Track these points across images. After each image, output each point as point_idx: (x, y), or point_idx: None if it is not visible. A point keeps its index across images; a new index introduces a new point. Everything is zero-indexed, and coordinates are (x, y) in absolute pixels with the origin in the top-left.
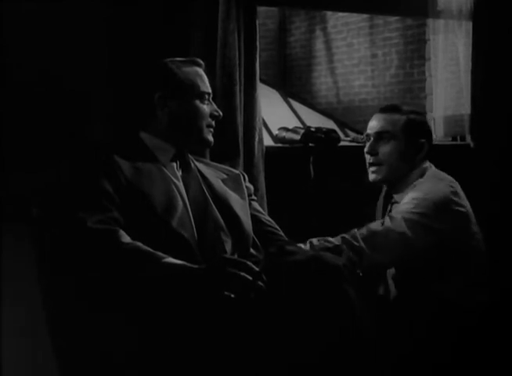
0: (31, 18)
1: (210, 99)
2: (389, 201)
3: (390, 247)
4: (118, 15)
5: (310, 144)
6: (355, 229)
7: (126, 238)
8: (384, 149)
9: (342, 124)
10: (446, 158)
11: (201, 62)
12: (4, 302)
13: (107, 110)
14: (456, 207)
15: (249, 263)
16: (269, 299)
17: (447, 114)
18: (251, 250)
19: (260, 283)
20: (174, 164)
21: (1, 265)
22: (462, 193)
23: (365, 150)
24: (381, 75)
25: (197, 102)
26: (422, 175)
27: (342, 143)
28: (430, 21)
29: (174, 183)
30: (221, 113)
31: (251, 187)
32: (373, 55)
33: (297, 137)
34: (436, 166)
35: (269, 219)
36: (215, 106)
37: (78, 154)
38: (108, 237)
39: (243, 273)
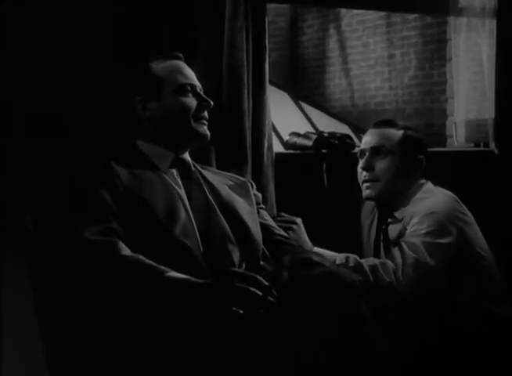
0: (20, 18)
1: (198, 90)
2: (384, 220)
3: (421, 278)
4: (121, 13)
5: (323, 150)
6: (376, 261)
7: (126, 250)
8: (381, 164)
9: (357, 129)
10: (468, 166)
11: (179, 54)
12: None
13: (106, 113)
14: (465, 218)
15: (259, 277)
16: (280, 314)
17: (469, 119)
18: (261, 262)
19: (270, 298)
20: (174, 171)
21: None
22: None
23: (360, 165)
24: (399, 77)
25: (176, 96)
26: (419, 192)
27: (357, 150)
28: (451, 19)
29: (176, 190)
30: (211, 102)
31: (259, 195)
32: (391, 55)
33: (309, 143)
34: (457, 175)
35: (279, 229)
36: (204, 96)
37: (74, 162)
38: (107, 250)
39: (252, 288)
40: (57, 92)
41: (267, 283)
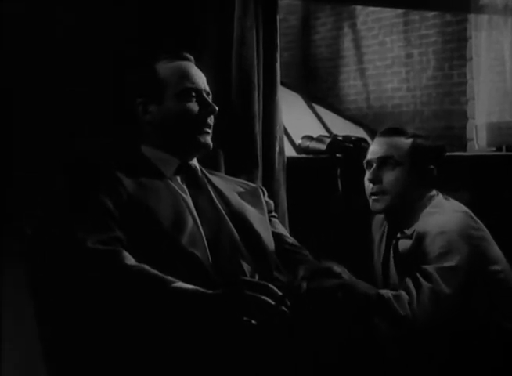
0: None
1: (204, 95)
2: (393, 234)
3: (437, 306)
4: (126, 11)
5: (337, 155)
6: (389, 294)
7: (130, 260)
8: (389, 176)
9: (373, 133)
10: (489, 171)
11: (187, 55)
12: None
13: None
14: (478, 234)
15: (271, 286)
16: (293, 324)
17: (491, 121)
18: (274, 272)
19: (283, 308)
20: (180, 177)
21: None
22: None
23: (367, 177)
24: (417, 77)
25: (178, 101)
26: (429, 205)
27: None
28: (471, 17)
29: (182, 197)
30: (215, 108)
31: (271, 203)
32: (408, 55)
33: (323, 147)
34: (477, 181)
35: (291, 237)
36: (209, 101)
37: (75, 167)
38: (110, 259)
39: (264, 297)
40: (58, 92)
41: (280, 293)
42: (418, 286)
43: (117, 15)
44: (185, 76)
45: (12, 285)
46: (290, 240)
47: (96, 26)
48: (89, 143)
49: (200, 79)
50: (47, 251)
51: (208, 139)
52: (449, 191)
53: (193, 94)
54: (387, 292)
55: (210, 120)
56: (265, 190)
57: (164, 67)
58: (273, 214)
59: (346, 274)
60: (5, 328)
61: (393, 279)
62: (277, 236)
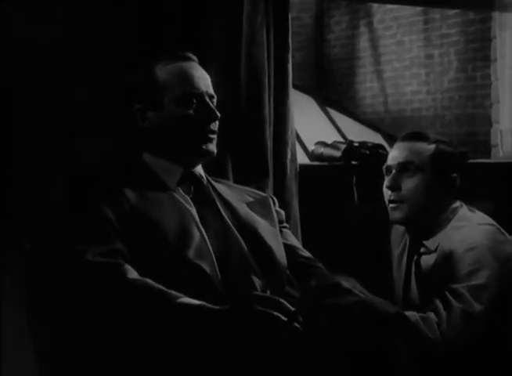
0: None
1: (206, 99)
2: (415, 249)
3: (469, 327)
4: (126, 8)
5: (352, 162)
6: (416, 316)
7: (133, 273)
8: (408, 183)
9: (391, 138)
10: None
11: (190, 55)
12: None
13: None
14: (508, 248)
15: (282, 301)
16: (305, 341)
17: None
18: (286, 287)
19: (296, 324)
20: (181, 188)
21: None
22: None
23: (386, 184)
24: (438, 80)
25: (177, 107)
26: (453, 218)
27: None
28: (496, 15)
29: (187, 209)
30: (218, 114)
31: (282, 213)
32: (428, 55)
33: (338, 154)
34: (502, 189)
35: (304, 250)
36: (211, 106)
37: (75, 177)
38: (111, 272)
39: (276, 313)
40: (58, 92)
41: (292, 308)
42: (448, 307)
43: (119, 13)
44: (185, 79)
45: (12, 286)
46: (303, 252)
47: (97, 25)
48: (89, 144)
49: (203, 81)
50: (46, 264)
51: (211, 146)
52: (472, 201)
53: (194, 99)
54: (414, 314)
55: (214, 126)
56: (275, 199)
57: (163, 70)
58: (284, 224)
59: (357, 289)
60: (5, 327)
61: (413, 296)
62: (289, 249)
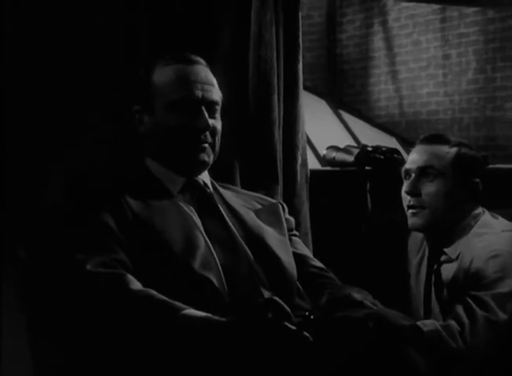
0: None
1: (201, 106)
2: (435, 257)
3: (494, 336)
4: (129, 7)
5: (366, 167)
6: (437, 325)
7: (135, 284)
8: (428, 188)
9: (406, 143)
10: None
11: (190, 56)
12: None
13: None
14: None
15: (285, 306)
16: (316, 353)
17: None
18: (297, 299)
19: (306, 334)
20: (188, 195)
21: None
22: None
23: (405, 189)
24: (455, 81)
25: (167, 113)
26: (475, 225)
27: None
28: None
29: (192, 217)
30: (209, 124)
31: (292, 220)
32: (446, 56)
33: (350, 158)
34: None
35: (314, 259)
36: (205, 114)
37: (74, 183)
38: (113, 283)
39: (286, 323)
40: (58, 92)
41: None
42: (472, 315)
43: (126, 13)
44: (178, 84)
45: (11, 286)
46: (314, 262)
47: (105, 24)
48: (90, 149)
49: (201, 86)
50: (43, 274)
51: (203, 156)
52: (493, 208)
53: (186, 105)
54: (433, 323)
55: (204, 136)
56: (285, 206)
57: (160, 72)
58: (294, 232)
59: (369, 301)
60: (5, 328)
61: (433, 305)
62: (299, 258)
